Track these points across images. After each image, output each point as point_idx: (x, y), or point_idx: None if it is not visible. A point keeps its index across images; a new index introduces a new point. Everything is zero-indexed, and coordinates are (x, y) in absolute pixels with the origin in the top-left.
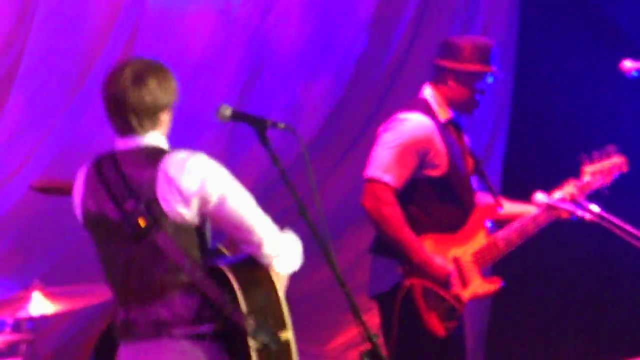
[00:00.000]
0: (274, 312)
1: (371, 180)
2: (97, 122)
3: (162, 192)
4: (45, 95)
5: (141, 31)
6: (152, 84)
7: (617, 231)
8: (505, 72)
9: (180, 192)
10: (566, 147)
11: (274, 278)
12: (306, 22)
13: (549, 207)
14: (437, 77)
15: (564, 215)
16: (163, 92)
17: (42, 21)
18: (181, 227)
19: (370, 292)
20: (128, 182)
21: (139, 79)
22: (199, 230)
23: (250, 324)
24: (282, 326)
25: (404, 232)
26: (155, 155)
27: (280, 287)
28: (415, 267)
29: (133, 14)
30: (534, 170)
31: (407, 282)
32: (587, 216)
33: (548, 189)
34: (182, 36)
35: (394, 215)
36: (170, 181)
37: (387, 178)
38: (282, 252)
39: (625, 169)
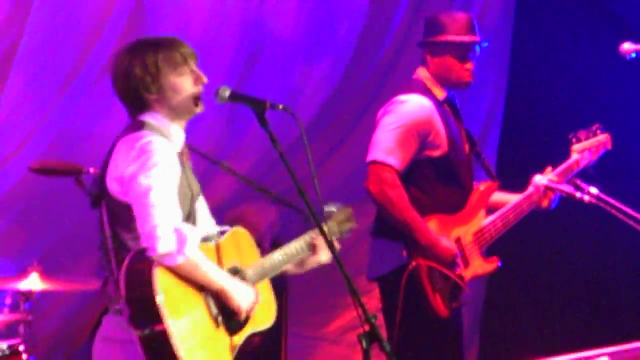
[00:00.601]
0: (149, 305)
1: (375, 163)
2: (95, 104)
3: (109, 166)
4: (44, 77)
5: (139, 14)
6: (121, 68)
7: (615, 213)
8: (501, 57)
9: (116, 169)
10: (562, 132)
11: (154, 271)
12: (304, 6)
13: (547, 189)
14: (426, 56)
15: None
16: (128, 76)
17: (41, 3)
18: (118, 204)
19: (371, 274)
20: (110, 151)
21: (112, 70)
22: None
23: (126, 311)
24: (156, 320)
25: (410, 214)
26: (128, 129)
27: (159, 281)
28: (421, 248)
29: None
30: (528, 156)
31: (413, 263)
32: (586, 198)
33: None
34: (180, 20)
35: (399, 197)
36: (113, 156)
37: (391, 160)
38: (160, 247)
39: (610, 146)
